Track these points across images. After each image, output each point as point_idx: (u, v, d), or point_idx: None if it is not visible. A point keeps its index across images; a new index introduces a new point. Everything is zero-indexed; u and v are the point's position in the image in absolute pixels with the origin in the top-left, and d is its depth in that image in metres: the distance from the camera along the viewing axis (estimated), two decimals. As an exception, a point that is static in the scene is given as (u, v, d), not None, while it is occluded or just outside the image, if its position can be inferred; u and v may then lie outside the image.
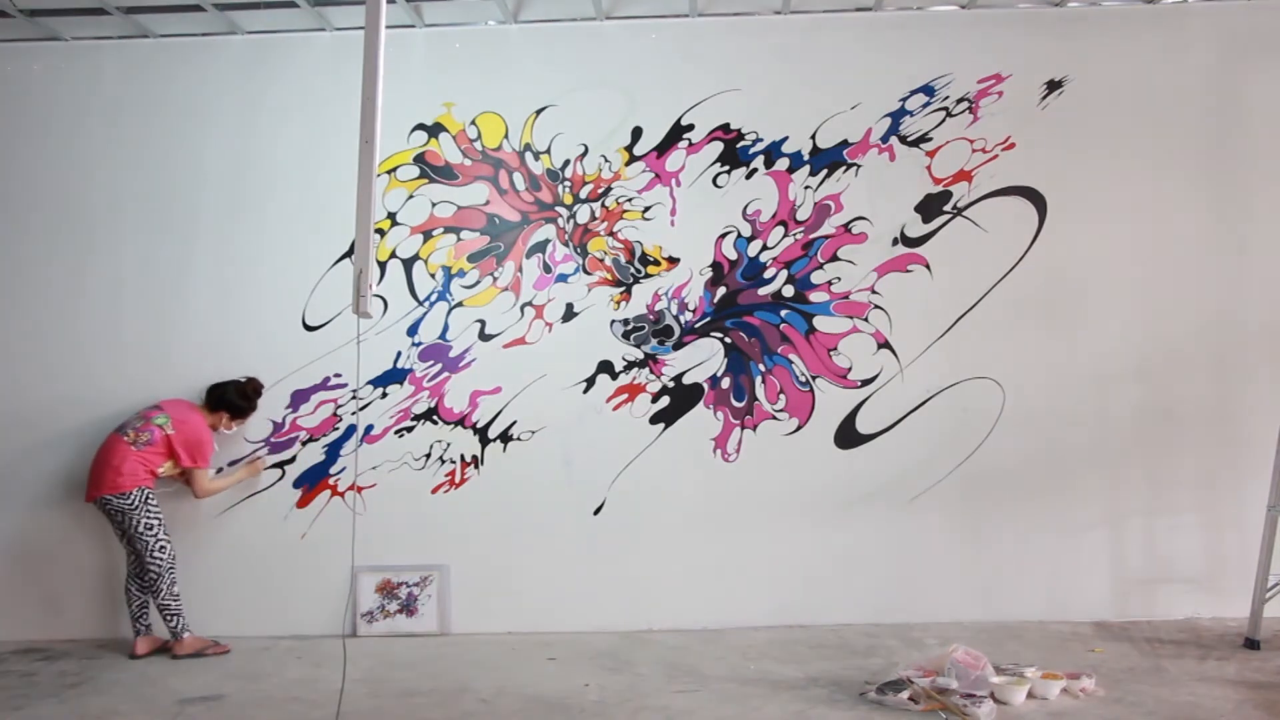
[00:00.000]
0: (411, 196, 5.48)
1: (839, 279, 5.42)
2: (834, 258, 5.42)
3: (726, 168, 5.45)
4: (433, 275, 5.47)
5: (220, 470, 5.39)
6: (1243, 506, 5.31)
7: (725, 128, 5.45)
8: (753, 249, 5.44)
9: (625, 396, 5.43)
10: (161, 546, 5.06)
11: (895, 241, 5.42)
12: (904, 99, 5.43)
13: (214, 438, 5.25)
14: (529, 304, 5.47)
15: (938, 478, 5.39)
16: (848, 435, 5.40)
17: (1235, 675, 4.40)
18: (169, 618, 5.07)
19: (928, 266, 5.41)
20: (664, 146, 5.45)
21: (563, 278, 5.47)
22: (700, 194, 5.44)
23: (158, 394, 5.40)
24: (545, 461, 5.41)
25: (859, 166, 5.40)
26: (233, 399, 5.28)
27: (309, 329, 5.45)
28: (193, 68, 5.55)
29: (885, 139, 5.42)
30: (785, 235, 5.44)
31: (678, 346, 5.44)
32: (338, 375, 5.41)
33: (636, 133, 5.46)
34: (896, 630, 5.21)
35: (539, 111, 5.48)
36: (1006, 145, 5.40)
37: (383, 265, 5.46)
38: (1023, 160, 5.40)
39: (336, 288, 5.42)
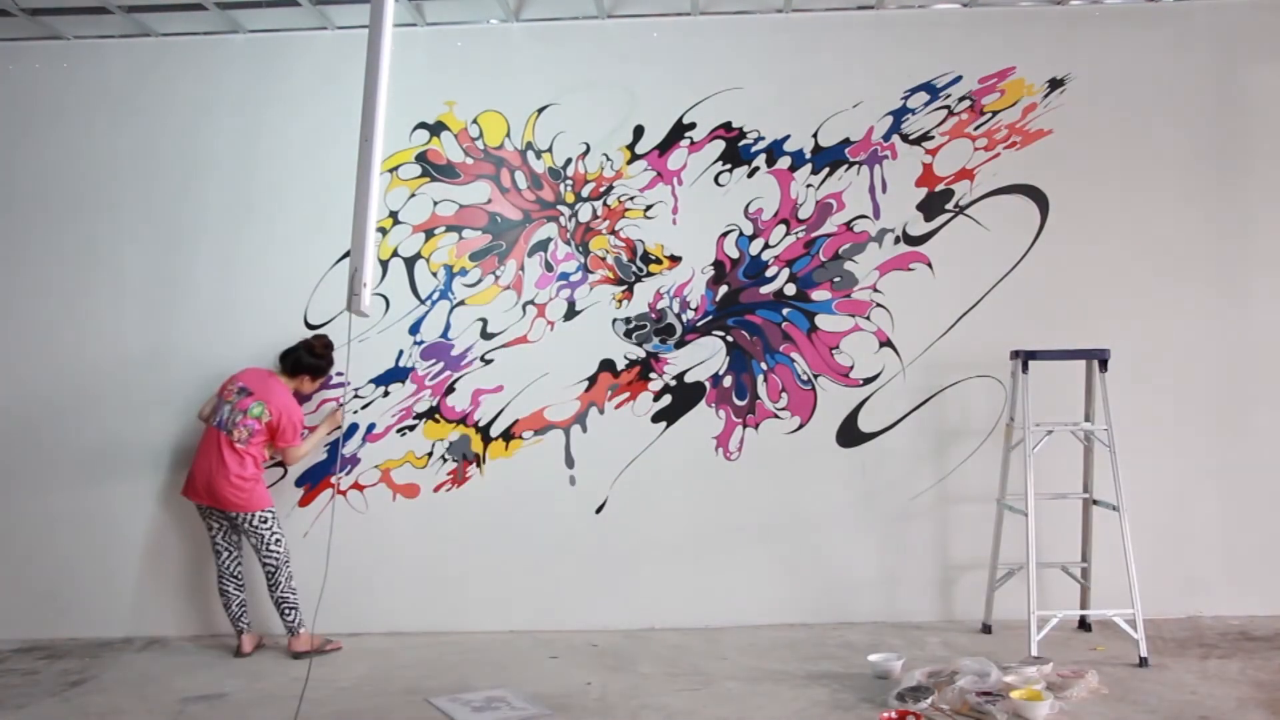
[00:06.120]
0: (413, 195, 5.48)
1: (840, 278, 5.42)
2: (835, 256, 5.42)
3: (728, 166, 5.44)
4: (434, 274, 5.47)
5: (303, 434, 5.24)
6: (1244, 505, 5.31)
7: (727, 126, 5.44)
8: (754, 247, 5.44)
9: (627, 395, 5.43)
10: (278, 539, 5.01)
11: (897, 240, 5.42)
12: (906, 97, 5.42)
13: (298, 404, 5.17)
14: (531, 302, 5.47)
15: (940, 475, 5.39)
16: (850, 434, 5.40)
17: (1237, 674, 4.40)
18: (287, 611, 5.00)
19: (930, 265, 5.41)
20: (666, 145, 5.45)
21: (564, 276, 5.47)
22: (702, 192, 5.44)
23: (158, 392, 5.42)
24: (547, 460, 5.41)
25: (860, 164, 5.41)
26: (308, 361, 5.16)
27: (311, 328, 5.45)
28: (195, 66, 5.54)
29: (887, 137, 5.42)
30: (787, 234, 5.43)
31: (679, 345, 5.44)
32: (339, 374, 5.41)
33: (638, 131, 5.45)
34: (899, 629, 5.21)
35: (541, 110, 5.48)
36: (1008, 143, 5.40)
37: (385, 264, 5.46)
38: (1025, 158, 5.39)
39: (339, 286, 5.40)
